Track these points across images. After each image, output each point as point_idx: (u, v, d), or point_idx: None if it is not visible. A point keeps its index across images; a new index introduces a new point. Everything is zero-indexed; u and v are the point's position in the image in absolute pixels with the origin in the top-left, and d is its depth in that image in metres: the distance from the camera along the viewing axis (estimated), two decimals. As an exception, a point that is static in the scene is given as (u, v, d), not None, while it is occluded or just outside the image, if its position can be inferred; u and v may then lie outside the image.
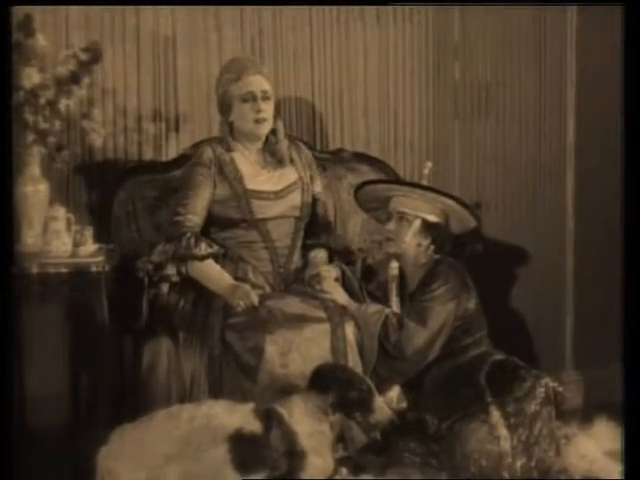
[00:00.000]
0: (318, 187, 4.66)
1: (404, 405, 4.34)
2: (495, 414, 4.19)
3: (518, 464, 4.15)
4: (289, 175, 4.56)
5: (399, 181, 4.77)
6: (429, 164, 4.55)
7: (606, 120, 5.20)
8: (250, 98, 4.45)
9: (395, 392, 4.36)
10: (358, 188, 4.60)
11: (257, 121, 4.48)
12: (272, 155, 4.55)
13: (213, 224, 4.49)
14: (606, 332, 5.16)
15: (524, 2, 5.19)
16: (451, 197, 4.46)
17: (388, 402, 4.22)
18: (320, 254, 4.59)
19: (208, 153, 4.48)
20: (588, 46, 5.28)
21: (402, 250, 4.45)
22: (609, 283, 5.14)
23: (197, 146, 4.67)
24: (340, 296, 4.39)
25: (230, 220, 4.47)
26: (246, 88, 4.45)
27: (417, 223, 4.43)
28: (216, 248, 4.41)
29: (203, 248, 4.37)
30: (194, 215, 4.41)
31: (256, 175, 4.50)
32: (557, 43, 5.29)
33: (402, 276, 4.50)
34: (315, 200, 4.63)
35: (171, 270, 4.37)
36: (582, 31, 5.28)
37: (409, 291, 4.48)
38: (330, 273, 4.44)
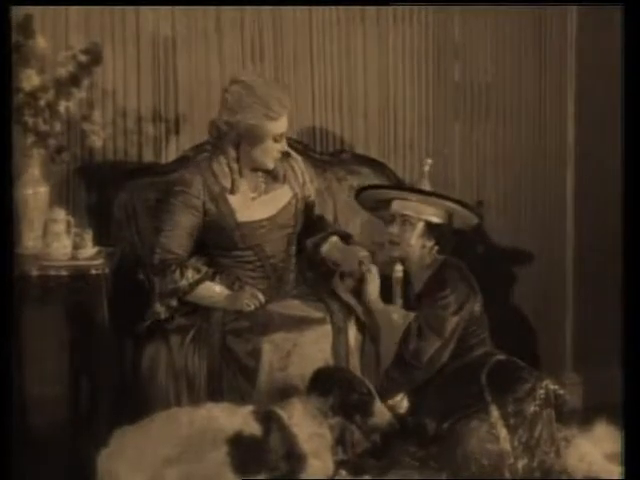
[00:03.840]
0: (310, 191, 4.60)
1: (406, 407, 4.34)
2: (495, 414, 4.19)
3: (519, 465, 4.15)
4: (283, 196, 4.48)
5: (399, 186, 4.76)
6: (429, 161, 4.51)
7: (606, 120, 5.19)
8: (280, 138, 4.38)
9: (399, 396, 4.35)
10: (358, 193, 4.59)
11: (275, 158, 4.41)
12: (266, 172, 4.46)
13: (208, 248, 4.45)
14: (606, 334, 5.15)
15: (524, 2, 5.19)
16: (452, 200, 4.45)
17: (395, 407, 4.22)
18: (334, 243, 4.51)
19: (198, 185, 4.37)
20: (588, 46, 5.27)
21: (407, 253, 4.42)
22: (609, 284, 5.13)
23: (197, 149, 4.68)
24: (375, 293, 4.37)
25: (225, 247, 4.43)
26: (282, 129, 4.36)
27: (421, 225, 4.41)
28: (204, 270, 4.35)
29: (190, 276, 4.31)
30: (178, 247, 4.35)
31: (248, 205, 4.41)
32: (557, 43, 5.28)
33: (406, 278, 4.49)
34: (307, 205, 4.57)
35: (159, 308, 4.34)
36: (582, 31, 5.27)
37: (415, 292, 4.47)
38: (373, 268, 4.38)
